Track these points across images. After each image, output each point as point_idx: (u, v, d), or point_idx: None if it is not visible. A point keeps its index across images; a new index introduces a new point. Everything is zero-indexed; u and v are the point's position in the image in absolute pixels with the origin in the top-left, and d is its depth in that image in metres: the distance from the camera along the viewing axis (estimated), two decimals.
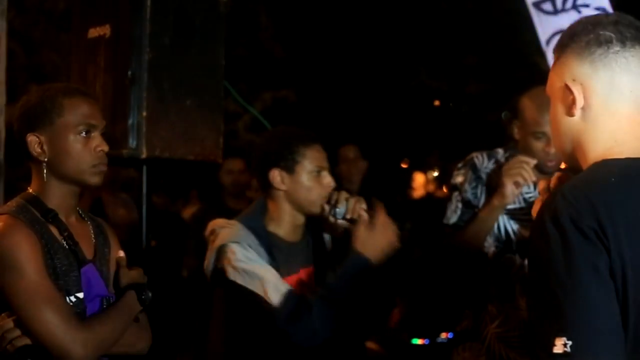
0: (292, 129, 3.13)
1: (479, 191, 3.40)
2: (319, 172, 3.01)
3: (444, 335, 6.05)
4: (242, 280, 2.88)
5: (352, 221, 2.99)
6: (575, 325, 1.52)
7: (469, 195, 3.40)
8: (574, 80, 1.72)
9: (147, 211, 3.81)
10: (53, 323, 2.25)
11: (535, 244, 1.62)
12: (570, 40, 1.74)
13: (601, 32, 1.71)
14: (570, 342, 1.51)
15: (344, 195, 3.02)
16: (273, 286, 2.84)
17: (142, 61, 3.58)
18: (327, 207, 3.01)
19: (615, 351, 1.52)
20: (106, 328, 2.36)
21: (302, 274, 3.06)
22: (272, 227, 3.05)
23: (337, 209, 3.00)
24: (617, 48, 1.69)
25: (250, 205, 3.21)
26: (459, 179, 3.44)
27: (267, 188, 3.05)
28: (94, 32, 3.76)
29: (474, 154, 3.48)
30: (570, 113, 1.74)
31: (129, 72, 3.58)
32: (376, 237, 2.91)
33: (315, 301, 2.84)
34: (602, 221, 1.54)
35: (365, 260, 2.87)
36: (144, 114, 3.56)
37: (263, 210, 3.08)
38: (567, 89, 1.73)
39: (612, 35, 1.70)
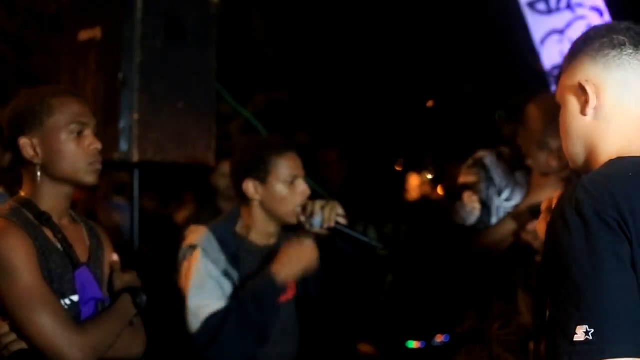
0: (266, 139, 3.23)
1: (491, 192, 3.35)
2: (292, 180, 3.06)
3: (439, 338, 6.03)
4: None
5: (331, 230, 3.05)
6: (597, 313, 1.51)
7: (483, 195, 3.35)
8: (587, 80, 1.77)
9: (139, 215, 3.78)
10: (49, 327, 2.24)
11: (555, 234, 1.61)
12: (584, 44, 1.80)
13: (615, 36, 1.77)
14: (592, 330, 1.50)
15: (319, 204, 3.06)
16: (193, 313, 2.97)
17: (133, 64, 3.55)
18: (303, 218, 3.06)
19: (637, 340, 1.52)
20: (102, 332, 2.35)
21: None
22: (244, 232, 3.12)
23: (314, 220, 3.05)
24: (630, 51, 1.75)
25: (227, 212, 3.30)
26: (470, 178, 3.38)
27: (242, 197, 3.11)
28: (84, 35, 3.73)
29: (482, 153, 3.42)
30: (583, 112, 1.78)
31: (120, 75, 3.55)
32: (294, 261, 3.00)
33: (228, 310, 2.95)
34: (624, 213, 1.56)
35: (271, 282, 2.96)
36: (135, 117, 3.54)
37: (236, 216, 3.15)
38: (581, 88, 1.77)
39: (625, 39, 1.76)
